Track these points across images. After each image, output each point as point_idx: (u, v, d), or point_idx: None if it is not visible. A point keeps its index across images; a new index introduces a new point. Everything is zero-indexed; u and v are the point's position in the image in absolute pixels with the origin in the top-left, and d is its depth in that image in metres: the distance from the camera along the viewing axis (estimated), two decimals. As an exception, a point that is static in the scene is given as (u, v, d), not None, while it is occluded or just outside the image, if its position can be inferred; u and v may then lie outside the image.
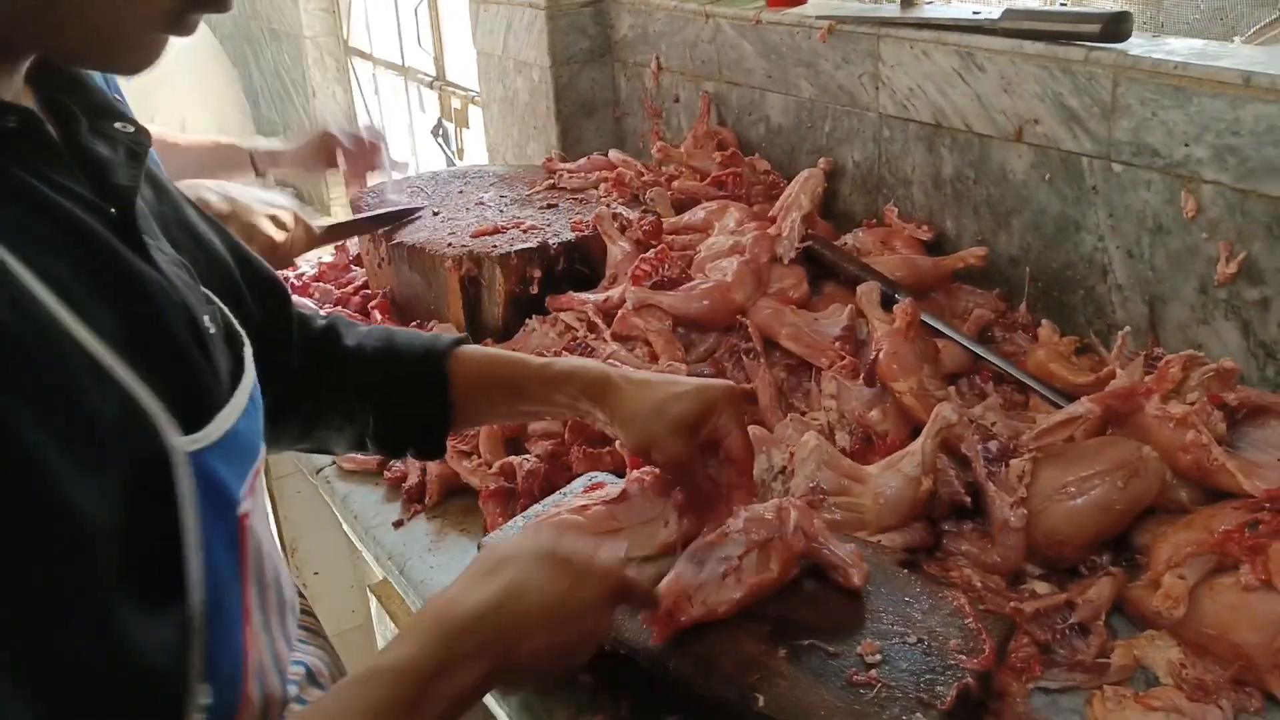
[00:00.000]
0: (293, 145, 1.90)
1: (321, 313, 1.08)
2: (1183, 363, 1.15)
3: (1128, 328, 1.32)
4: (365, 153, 1.88)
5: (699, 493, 0.97)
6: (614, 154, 2.01)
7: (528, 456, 1.28)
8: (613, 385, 0.96)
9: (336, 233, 1.76)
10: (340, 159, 1.86)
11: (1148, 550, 1.07)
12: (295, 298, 1.06)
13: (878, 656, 0.86)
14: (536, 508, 1.11)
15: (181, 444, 0.64)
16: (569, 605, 0.76)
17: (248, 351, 0.78)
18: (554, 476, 1.26)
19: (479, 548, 1.02)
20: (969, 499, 1.12)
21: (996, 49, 1.43)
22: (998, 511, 1.08)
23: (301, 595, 1.01)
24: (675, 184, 1.84)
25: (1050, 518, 1.07)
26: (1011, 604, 1.03)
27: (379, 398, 1.01)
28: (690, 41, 1.98)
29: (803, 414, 1.31)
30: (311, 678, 0.88)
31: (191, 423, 0.65)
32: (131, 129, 0.73)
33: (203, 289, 0.78)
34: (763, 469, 1.18)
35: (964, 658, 0.86)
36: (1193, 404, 1.12)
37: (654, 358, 1.42)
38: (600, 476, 1.14)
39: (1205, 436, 1.08)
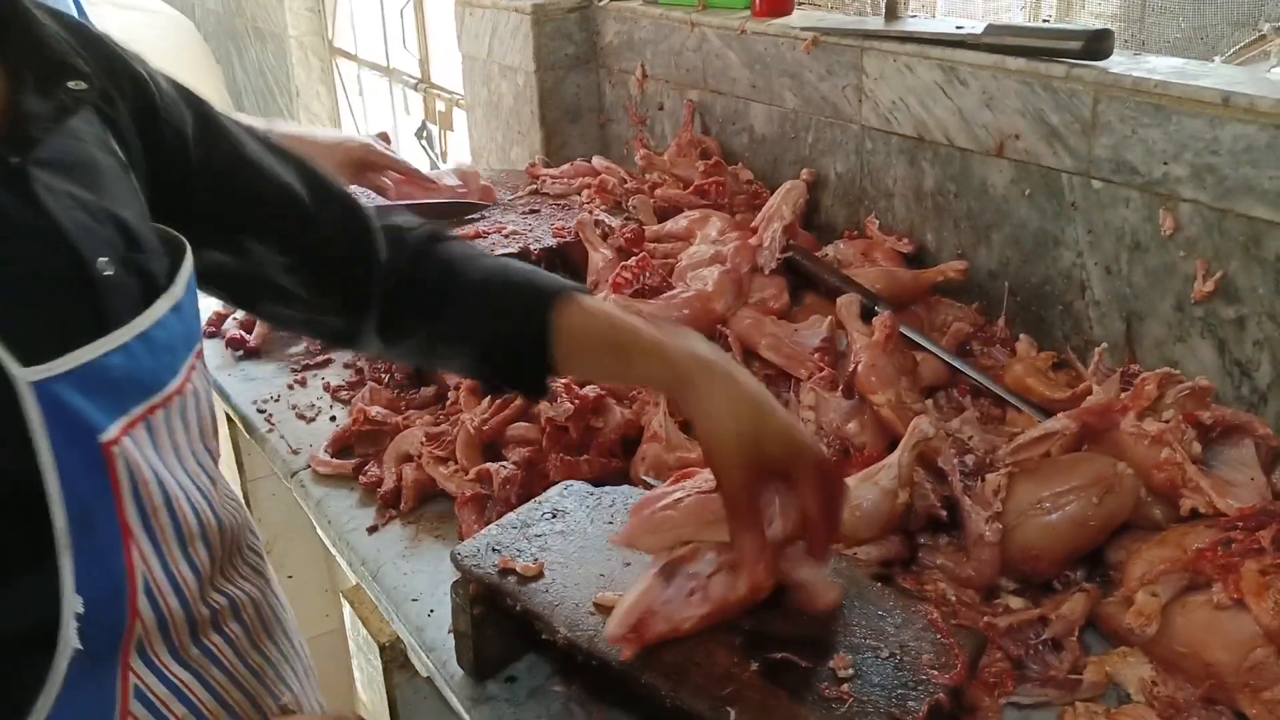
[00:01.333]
0: (319, 137, 1.83)
1: (433, 230, 1.06)
2: (1158, 380, 1.16)
3: (1105, 344, 1.33)
4: (413, 184, 1.82)
5: (746, 536, 0.88)
6: (597, 160, 2.01)
7: (504, 464, 1.27)
8: (694, 388, 0.89)
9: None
10: (374, 180, 1.79)
11: (1121, 567, 1.08)
12: (387, 216, 1.06)
13: (850, 671, 0.86)
14: (511, 515, 1.10)
15: (23, 374, 0.70)
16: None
17: (165, 299, 0.82)
18: (531, 483, 1.25)
19: (452, 557, 1.01)
20: (945, 513, 1.12)
21: (979, 64, 1.43)
22: (973, 525, 1.08)
23: (255, 535, 1.05)
24: (658, 192, 1.84)
25: (1025, 532, 1.07)
26: (985, 619, 1.03)
27: (482, 335, 1.01)
28: (675, 49, 1.98)
29: (781, 425, 1.31)
30: (235, 610, 0.93)
31: (42, 353, 0.71)
32: (83, 86, 0.80)
33: (158, 233, 0.84)
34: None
35: (936, 673, 0.86)
36: (1168, 422, 1.12)
37: (633, 366, 1.42)
38: (576, 485, 1.13)
39: (1180, 454, 1.08)
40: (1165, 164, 1.25)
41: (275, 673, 1.00)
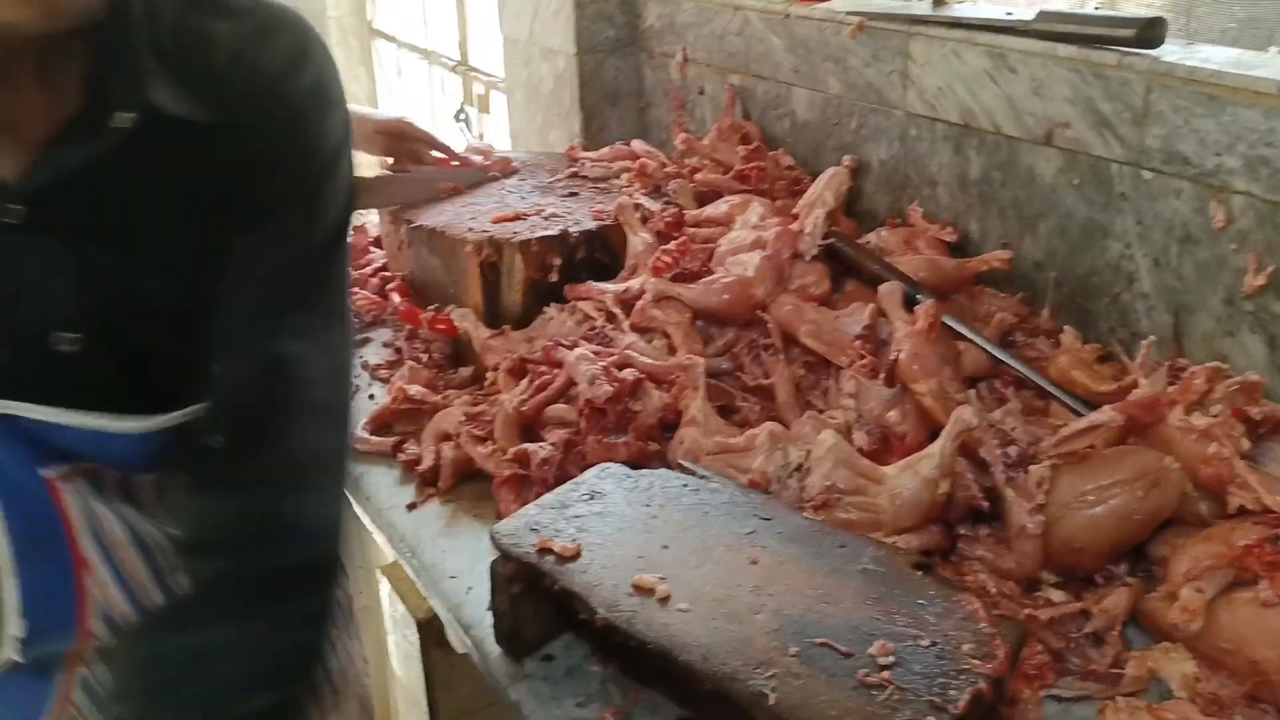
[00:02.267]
0: (355, 112, 1.84)
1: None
2: (1207, 375, 1.14)
3: (1152, 337, 1.31)
4: (444, 161, 1.84)
5: None
6: (637, 144, 2.00)
7: (542, 445, 1.28)
8: None
9: (384, 191, 1.75)
10: (410, 151, 1.81)
11: (1165, 562, 1.06)
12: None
13: (891, 658, 0.85)
14: (549, 496, 1.10)
15: None
16: None
17: (133, 420, 0.77)
18: (568, 465, 1.25)
19: (491, 536, 1.02)
20: (986, 503, 1.12)
21: (1029, 51, 1.41)
22: (1015, 517, 1.07)
23: None
24: (698, 176, 1.83)
25: (1068, 525, 1.06)
26: (1026, 611, 1.03)
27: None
28: (718, 33, 1.97)
29: (821, 412, 1.30)
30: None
31: None
32: (129, 118, 0.71)
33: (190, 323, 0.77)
34: (778, 466, 1.17)
35: (977, 662, 0.85)
36: (1216, 417, 1.10)
37: (672, 350, 1.42)
38: (613, 468, 1.13)
39: (1228, 450, 1.07)
40: (1218, 155, 1.23)
41: None
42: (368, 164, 1.91)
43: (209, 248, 0.77)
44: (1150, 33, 1.30)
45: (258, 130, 0.76)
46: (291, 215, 0.80)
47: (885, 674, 0.84)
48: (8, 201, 0.70)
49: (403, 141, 1.82)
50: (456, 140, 3.56)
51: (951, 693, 0.82)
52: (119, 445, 0.78)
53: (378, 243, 1.97)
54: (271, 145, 0.77)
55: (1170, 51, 1.30)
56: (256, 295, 0.79)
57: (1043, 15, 1.41)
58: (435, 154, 1.85)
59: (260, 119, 0.75)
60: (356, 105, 1.85)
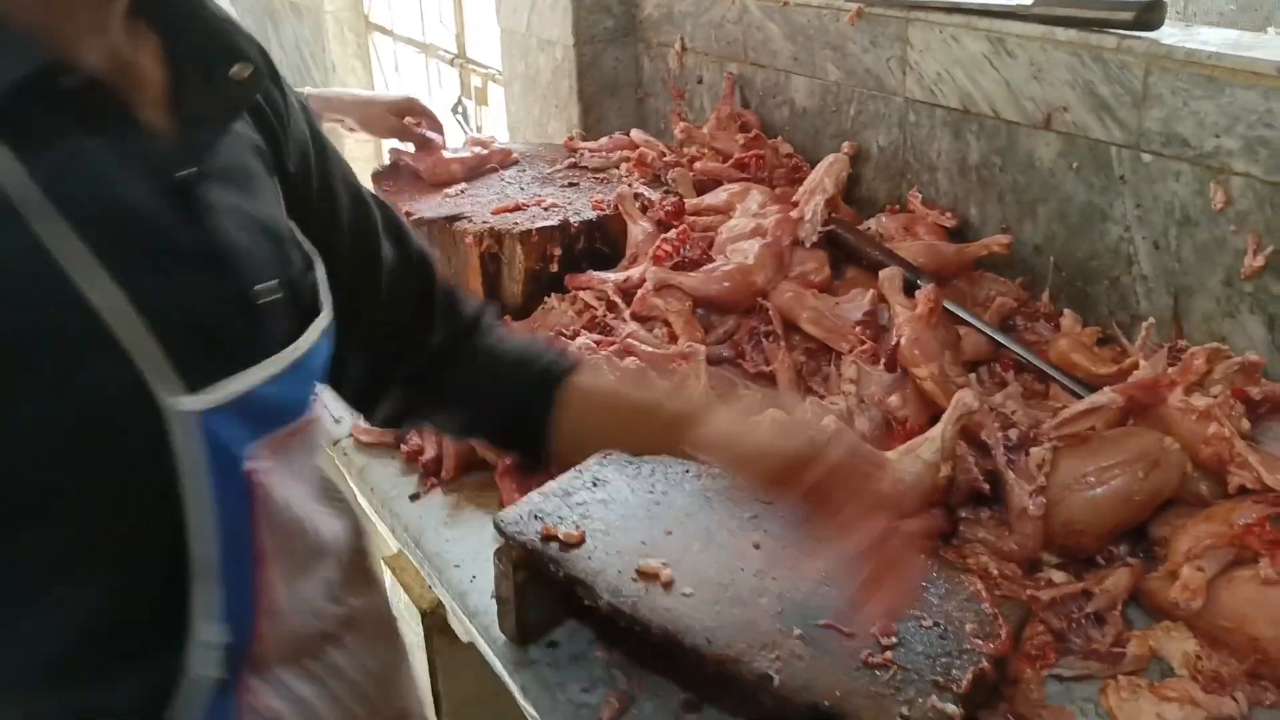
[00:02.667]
0: (362, 96, 1.87)
1: (473, 301, 1.02)
2: (1207, 355, 1.15)
3: (1151, 319, 1.31)
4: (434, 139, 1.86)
5: None
6: (636, 134, 2.00)
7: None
8: (710, 433, 0.85)
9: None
10: (414, 134, 1.83)
11: (1165, 542, 1.07)
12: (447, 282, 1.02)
13: (893, 639, 0.86)
14: (552, 484, 1.11)
15: (180, 404, 0.66)
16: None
17: (318, 322, 0.79)
18: (571, 453, 1.25)
19: (495, 524, 1.02)
20: (987, 486, 1.12)
21: (1027, 35, 1.41)
22: (1016, 499, 1.07)
23: (368, 541, 1.01)
24: (697, 165, 1.83)
25: (1068, 507, 1.07)
26: (1028, 591, 1.03)
27: (486, 410, 0.99)
28: (716, 22, 1.97)
29: (822, 398, 1.31)
30: (354, 622, 0.89)
31: (197, 383, 0.68)
32: (248, 71, 0.73)
33: (300, 247, 0.80)
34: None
35: (980, 642, 0.86)
36: (1216, 397, 1.11)
37: (673, 338, 1.42)
38: (614, 454, 1.13)
39: (1228, 430, 1.07)
40: (1217, 137, 1.23)
41: (390, 677, 0.97)
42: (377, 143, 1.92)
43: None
44: (1149, 15, 1.30)
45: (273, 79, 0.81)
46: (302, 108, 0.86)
47: (888, 654, 0.84)
48: (177, 168, 0.69)
49: (407, 117, 1.82)
50: (455, 133, 3.56)
51: (954, 672, 0.83)
52: (307, 383, 0.78)
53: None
54: (280, 93, 0.83)
55: (1169, 34, 1.30)
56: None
57: (1040, -1, 1.41)
58: (431, 135, 1.85)
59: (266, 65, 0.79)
60: (362, 90, 1.85)
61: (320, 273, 0.81)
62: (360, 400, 0.99)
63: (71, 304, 0.63)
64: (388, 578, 1.40)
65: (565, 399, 0.94)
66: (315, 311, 0.79)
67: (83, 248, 0.63)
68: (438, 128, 1.86)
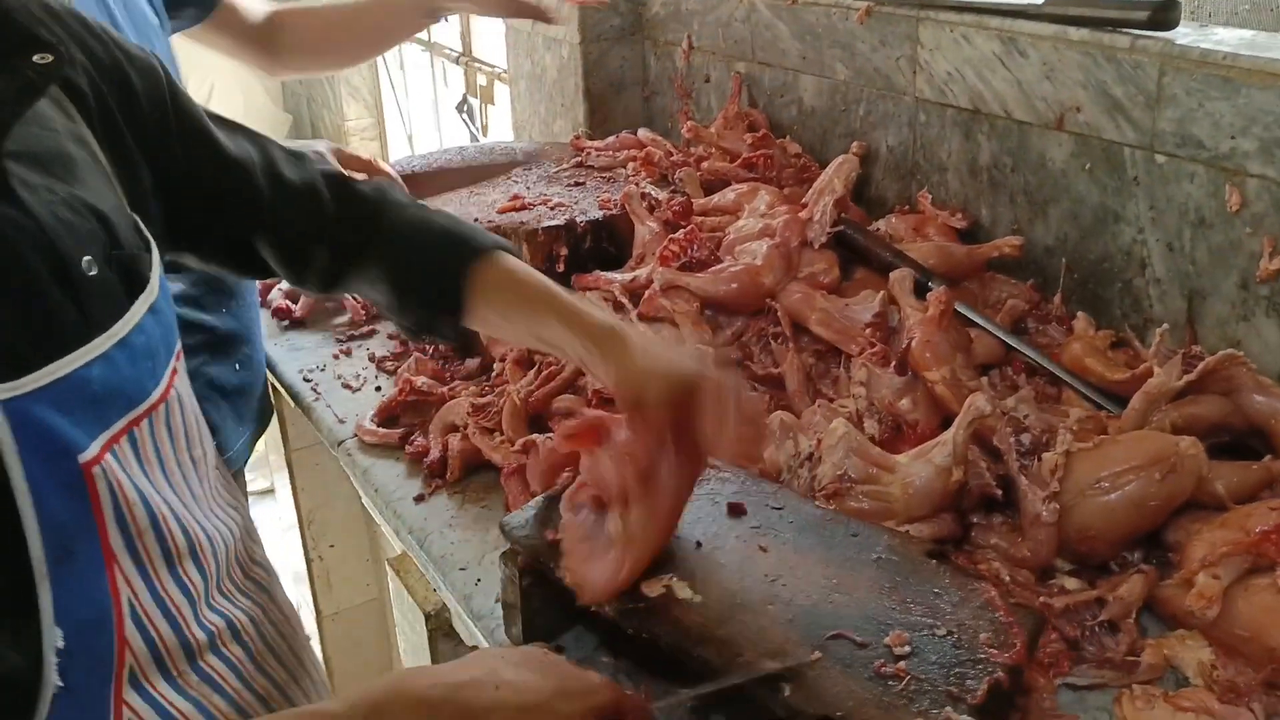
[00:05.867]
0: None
1: (369, 182, 1.09)
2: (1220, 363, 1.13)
3: (1166, 325, 1.29)
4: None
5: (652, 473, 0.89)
6: (643, 133, 1.99)
7: (550, 435, 1.27)
8: (619, 338, 0.92)
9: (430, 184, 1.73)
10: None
11: (1180, 548, 1.05)
12: (335, 168, 1.08)
13: (907, 648, 0.84)
14: (558, 488, 1.09)
15: None
16: (557, 706, 0.71)
17: (144, 298, 0.77)
18: (576, 456, 1.24)
19: (501, 527, 1.01)
20: (999, 491, 1.10)
21: (1040, 34, 1.40)
22: (1029, 505, 1.06)
23: (258, 544, 1.00)
24: (704, 165, 1.82)
25: (1082, 513, 1.05)
26: (1041, 599, 1.02)
27: (400, 283, 1.02)
28: (724, 21, 1.95)
29: (831, 401, 1.29)
30: (234, 632, 0.87)
31: (16, 368, 0.66)
32: (49, 59, 0.74)
33: (139, 232, 0.80)
34: (789, 455, 1.16)
35: (995, 651, 0.84)
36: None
37: (680, 340, 1.41)
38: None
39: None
40: (1233, 138, 1.22)
41: (282, 695, 0.95)
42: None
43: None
44: (1163, 15, 1.28)
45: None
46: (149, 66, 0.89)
47: (901, 664, 0.83)
48: None
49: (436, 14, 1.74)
50: (461, 134, 3.54)
51: (969, 682, 0.81)
52: (144, 361, 0.76)
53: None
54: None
55: (1184, 34, 1.28)
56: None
57: (1053, -2, 1.39)
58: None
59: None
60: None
61: (155, 257, 0.81)
62: (286, 268, 1.04)
63: None
64: (390, 580, 1.39)
65: (480, 271, 0.98)
66: (141, 284, 0.78)
67: None
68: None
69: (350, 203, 1.03)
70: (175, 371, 0.81)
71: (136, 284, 0.77)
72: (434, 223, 1.04)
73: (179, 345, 0.83)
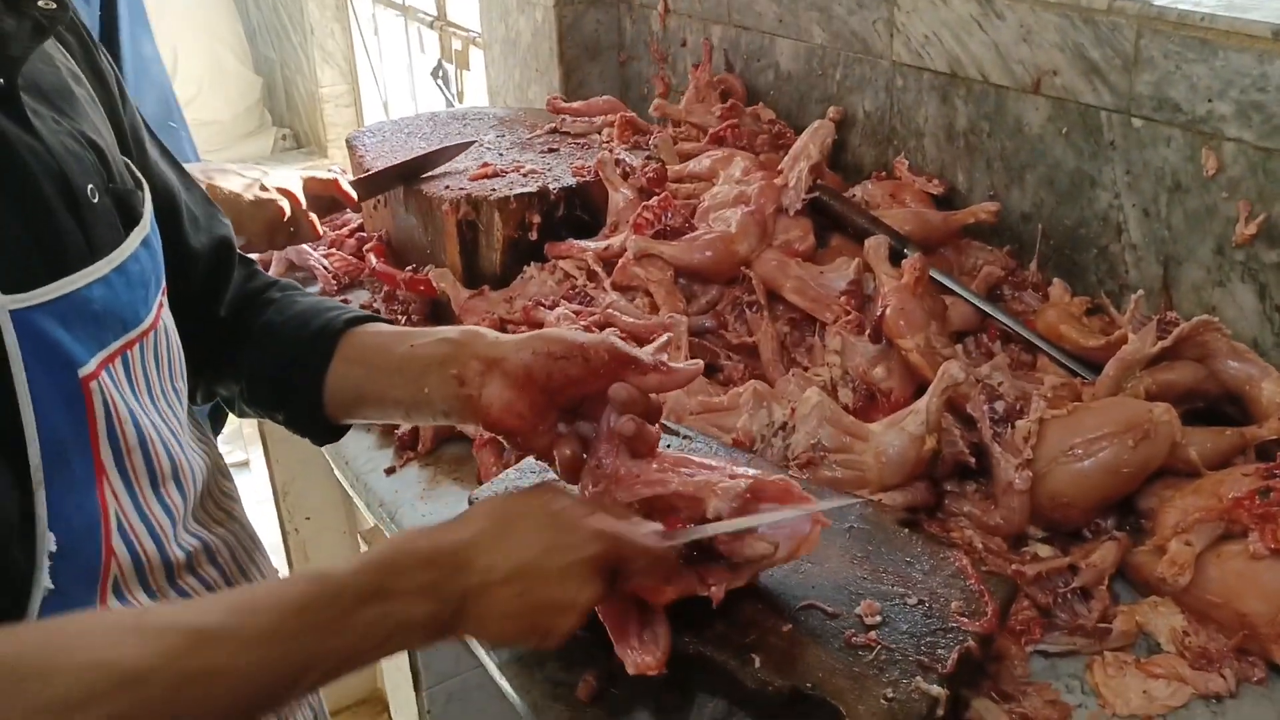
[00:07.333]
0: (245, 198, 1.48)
1: (271, 276, 1.04)
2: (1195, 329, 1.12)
3: (1141, 291, 1.29)
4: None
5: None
6: (610, 101, 1.96)
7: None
8: (472, 330, 0.89)
9: (376, 185, 1.61)
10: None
11: (1153, 514, 1.05)
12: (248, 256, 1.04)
13: (878, 618, 0.84)
14: (530, 459, 1.08)
15: (3, 302, 0.67)
16: (546, 564, 0.73)
17: (139, 229, 0.80)
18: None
19: (470, 501, 1.00)
20: (973, 459, 1.10)
21: (1017, -4, 1.38)
22: (1002, 473, 1.06)
23: (228, 479, 1.01)
24: (676, 147, 1.78)
25: (1055, 480, 1.05)
26: (1013, 566, 1.01)
27: (257, 370, 0.98)
28: (699, -17, 1.92)
29: (805, 369, 1.28)
30: (210, 555, 0.89)
31: (25, 281, 0.68)
32: (53, 6, 0.75)
33: (131, 171, 0.82)
34: (763, 424, 1.15)
35: (966, 620, 0.84)
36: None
37: (654, 308, 1.39)
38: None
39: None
40: (1210, 101, 1.21)
41: None
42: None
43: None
44: (1141, -25, 1.26)
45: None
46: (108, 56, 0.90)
47: (872, 634, 0.83)
48: None
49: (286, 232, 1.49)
50: (436, 99, 3.49)
51: (940, 652, 0.81)
52: (138, 288, 0.79)
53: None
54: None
55: (1161, -5, 1.26)
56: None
57: (1031, -41, 1.37)
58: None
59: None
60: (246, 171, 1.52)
61: (147, 193, 0.83)
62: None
63: None
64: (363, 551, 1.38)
65: (340, 351, 0.93)
66: (136, 218, 0.80)
67: None
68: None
69: (244, 288, 1.00)
70: (162, 304, 0.84)
71: (131, 217, 0.80)
72: (310, 313, 0.97)
73: (165, 281, 0.86)
